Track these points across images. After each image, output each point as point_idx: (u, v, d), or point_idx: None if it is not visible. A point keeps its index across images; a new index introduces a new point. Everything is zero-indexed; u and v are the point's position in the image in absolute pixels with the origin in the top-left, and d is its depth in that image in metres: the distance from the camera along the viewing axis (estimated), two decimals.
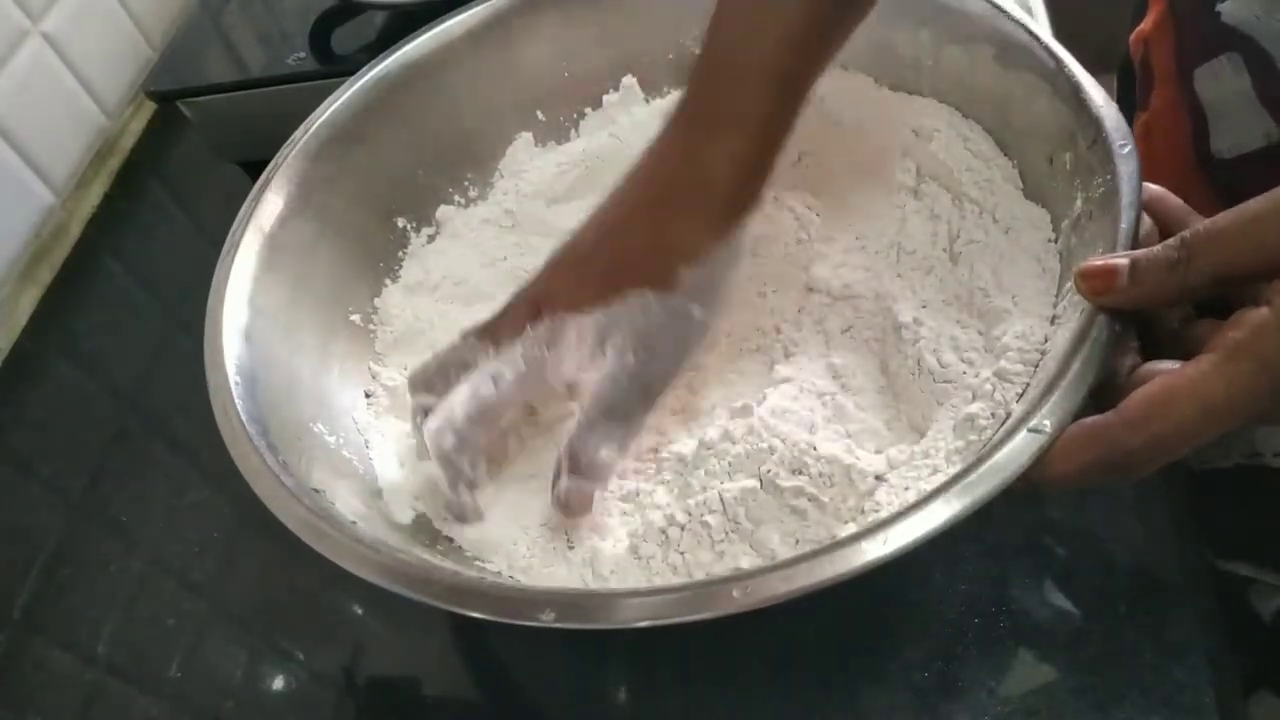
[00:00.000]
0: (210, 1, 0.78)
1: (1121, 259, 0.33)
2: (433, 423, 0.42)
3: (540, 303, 0.43)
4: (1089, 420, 0.31)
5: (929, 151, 0.49)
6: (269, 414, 0.41)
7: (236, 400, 0.40)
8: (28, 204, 0.72)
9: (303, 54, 0.68)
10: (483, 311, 0.46)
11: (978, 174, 0.47)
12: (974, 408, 0.38)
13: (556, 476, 0.41)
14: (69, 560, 0.55)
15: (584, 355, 0.42)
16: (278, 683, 0.48)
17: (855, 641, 0.43)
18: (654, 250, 0.43)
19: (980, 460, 0.31)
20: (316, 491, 0.38)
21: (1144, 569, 0.44)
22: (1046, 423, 0.31)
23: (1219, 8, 0.47)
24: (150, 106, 0.81)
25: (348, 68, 0.65)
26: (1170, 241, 0.33)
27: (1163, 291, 0.33)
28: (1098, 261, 0.34)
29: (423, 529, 0.43)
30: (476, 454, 0.42)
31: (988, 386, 0.38)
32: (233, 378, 0.41)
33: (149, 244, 0.75)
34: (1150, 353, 0.34)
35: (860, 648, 0.43)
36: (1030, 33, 0.45)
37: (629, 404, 0.42)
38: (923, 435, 0.40)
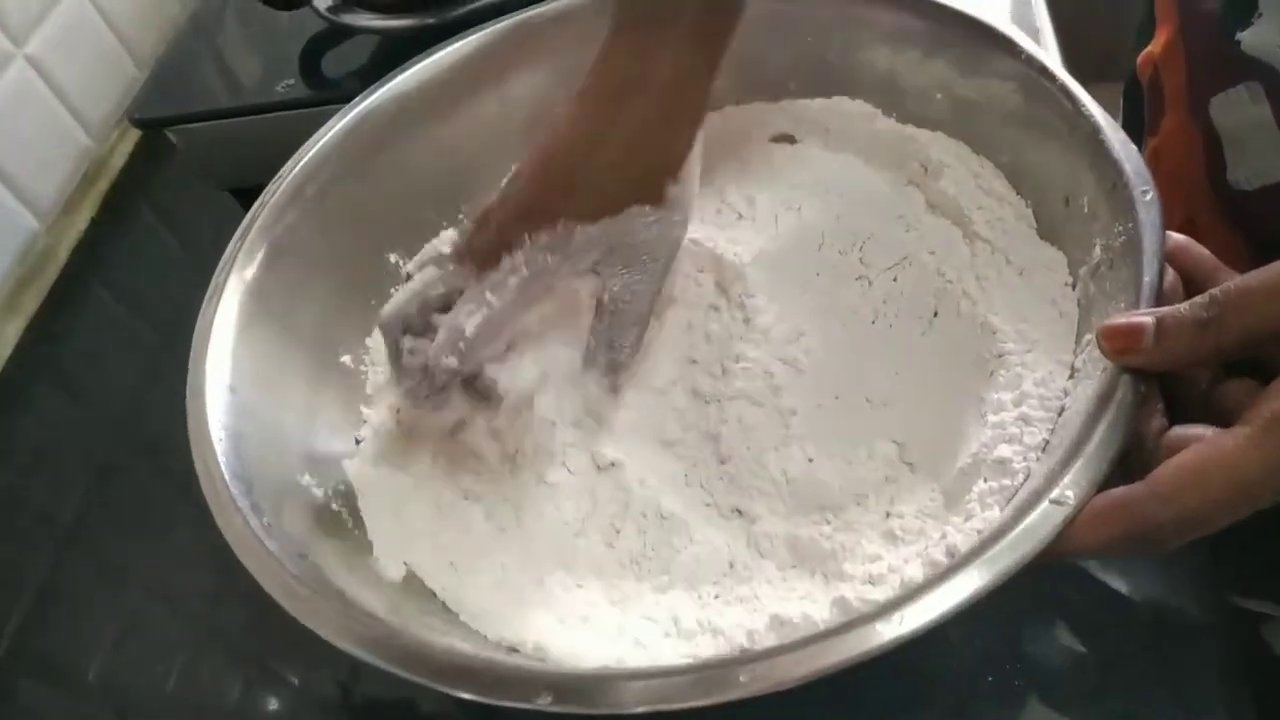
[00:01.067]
0: (200, 19, 0.76)
1: (1146, 317, 0.32)
2: (439, 341, 0.42)
3: (531, 213, 0.43)
4: (1117, 491, 0.30)
5: (938, 187, 0.48)
6: (254, 469, 0.39)
7: (220, 458, 0.38)
8: (12, 231, 0.71)
9: (292, 80, 0.67)
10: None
11: (989, 212, 0.46)
12: (1006, 450, 0.36)
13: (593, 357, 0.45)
14: (57, 594, 0.54)
15: (589, 263, 0.44)
16: (272, 704, 0.48)
17: (865, 702, 0.42)
18: (646, 166, 0.44)
19: (1002, 532, 0.30)
20: (302, 557, 0.37)
21: (1161, 612, 0.43)
22: (1069, 494, 0.30)
23: (1239, 36, 0.46)
24: None
25: (338, 95, 0.64)
26: (1199, 300, 0.31)
27: (1192, 353, 0.31)
28: (1121, 320, 0.32)
29: (413, 587, 0.41)
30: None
31: (1014, 430, 0.37)
32: (216, 433, 0.39)
33: (138, 270, 0.73)
34: (1177, 414, 0.33)
35: (871, 708, 0.42)
36: (1047, 71, 0.44)
37: (639, 310, 0.45)
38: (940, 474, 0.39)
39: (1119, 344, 0.32)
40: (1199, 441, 0.30)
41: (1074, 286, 0.41)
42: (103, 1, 0.79)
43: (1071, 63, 0.62)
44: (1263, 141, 0.47)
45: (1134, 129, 0.58)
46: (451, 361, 0.41)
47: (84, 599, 0.54)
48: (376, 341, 0.51)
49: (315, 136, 0.51)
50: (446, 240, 0.48)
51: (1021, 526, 0.30)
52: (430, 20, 0.65)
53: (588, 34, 0.48)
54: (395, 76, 0.53)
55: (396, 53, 0.55)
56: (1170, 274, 0.35)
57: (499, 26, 0.55)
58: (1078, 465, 0.31)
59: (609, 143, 0.43)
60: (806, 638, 0.30)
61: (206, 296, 0.45)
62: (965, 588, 0.29)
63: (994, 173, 0.47)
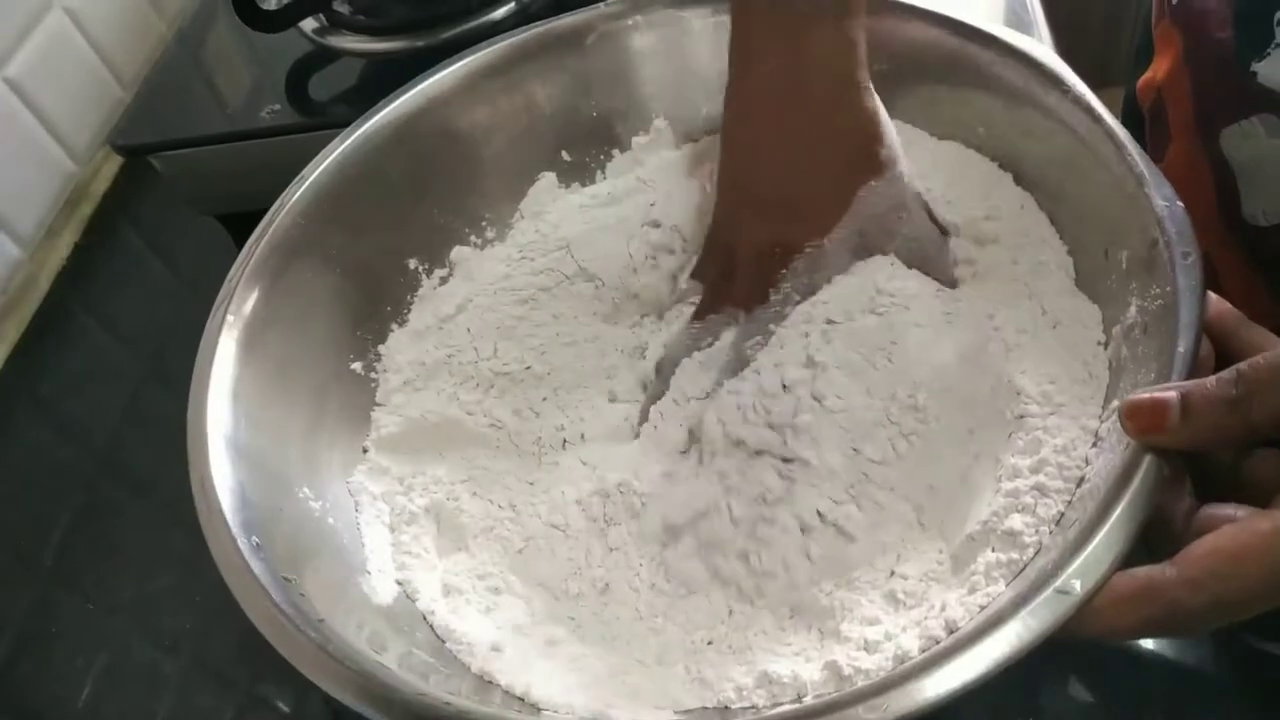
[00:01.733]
0: (185, 40, 0.75)
1: (1171, 393, 0.30)
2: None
3: (774, 250, 0.43)
4: (1142, 572, 0.28)
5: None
6: (250, 479, 0.39)
7: (214, 470, 0.38)
8: None
9: (278, 105, 0.66)
10: (504, 344, 0.48)
11: (1032, 254, 0.44)
12: (1017, 521, 0.35)
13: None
14: (41, 629, 0.54)
15: (850, 257, 0.43)
16: None
17: None
18: (849, 147, 0.43)
19: (1001, 619, 0.29)
20: (287, 580, 0.36)
21: (1177, 657, 0.42)
22: (1076, 584, 0.28)
23: (1254, 68, 0.44)
24: None
25: (324, 120, 0.63)
26: (1226, 376, 0.29)
27: (1220, 433, 0.29)
28: (1145, 396, 0.30)
29: (403, 610, 0.41)
30: None
31: (1029, 499, 0.35)
32: (214, 441, 0.39)
33: (123, 296, 0.72)
34: (1202, 487, 0.31)
35: None
36: (1094, 112, 0.41)
37: (934, 240, 0.44)
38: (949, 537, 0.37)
39: (1143, 422, 0.30)
40: (1231, 524, 0.28)
41: (1106, 346, 0.39)
42: (86, 22, 0.78)
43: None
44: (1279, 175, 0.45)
45: None
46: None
47: (67, 633, 0.53)
48: (390, 348, 0.50)
49: (336, 140, 0.49)
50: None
51: (1023, 613, 0.28)
52: (419, 43, 0.64)
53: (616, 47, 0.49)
54: (419, 83, 0.52)
55: (383, 76, 0.54)
56: (1205, 344, 0.33)
57: (509, 40, 0.54)
58: (1089, 551, 0.29)
59: (814, 135, 0.43)
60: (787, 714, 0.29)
61: (218, 300, 0.44)
62: (956, 677, 0.28)
63: (1036, 210, 0.45)
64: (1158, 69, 0.53)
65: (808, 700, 0.33)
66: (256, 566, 0.35)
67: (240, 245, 0.47)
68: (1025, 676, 0.41)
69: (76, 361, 0.68)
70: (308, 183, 0.48)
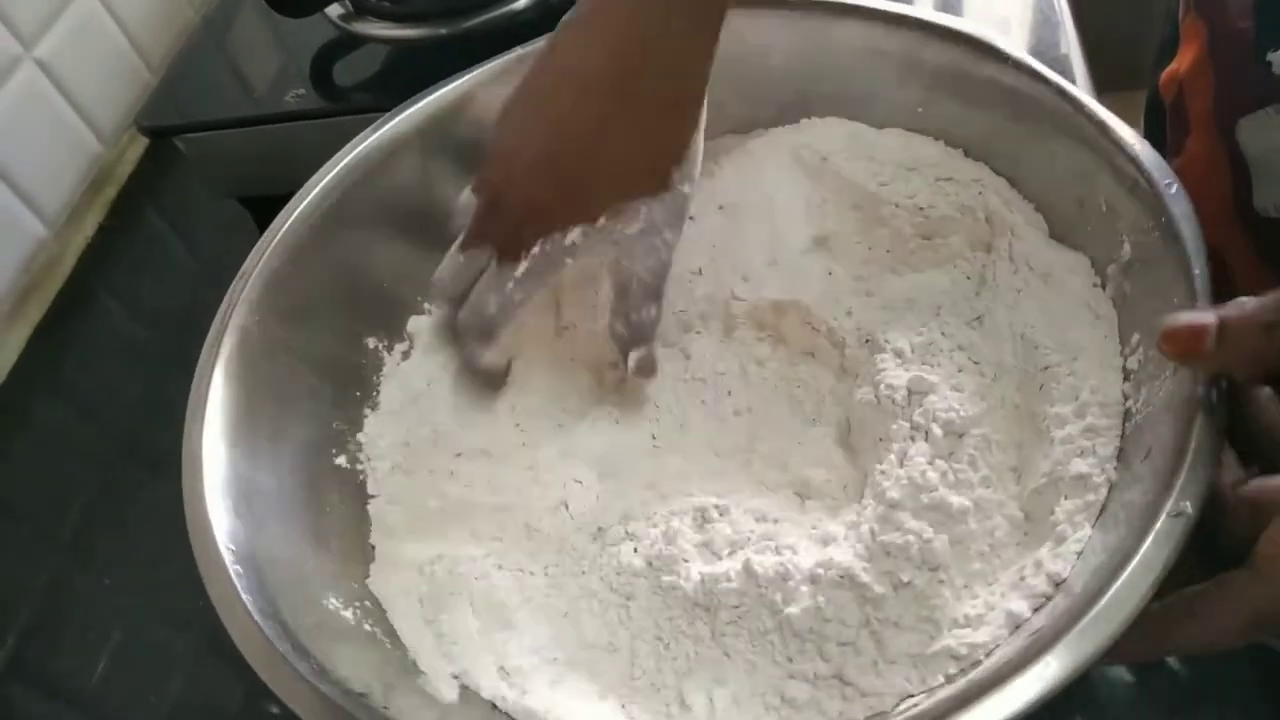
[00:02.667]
0: (212, 24, 0.75)
1: (1209, 316, 0.30)
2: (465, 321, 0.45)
3: (546, 214, 0.43)
4: (1217, 581, 0.29)
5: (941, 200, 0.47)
6: (281, 600, 0.37)
7: (244, 596, 0.36)
8: (17, 237, 0.70)
9: (302, 90, 0.66)
10: (479, 417, 0.46)
11: (1001, 220, 0.45)
12: (1081, 465, 0.35)
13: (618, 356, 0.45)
14: (58, 606, 0.54)
15: (606, 251, 0.44)
16: (274, 709, 0.46)
17: None
18: (656, 154, 0.43)
19: (1127, 555, 0.29)
20: (361, 695, 0.34)
21: (1194, 662, 0.41)
22: (1187, 504, 0.29)
23: (1269, 57, 0.44)
24: None
25: (348, 105, 0.63)
26: (1267, 300, 0.29)
27: (1257, 356, 0.30)
28: (1182, 320, 0.30)
29: (471, 700, 0.39)
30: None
31: (1085, 442, 0.36)
32: (233, 566, 0.37)
33: (146, 278, 0.72)
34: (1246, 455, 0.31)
35: None
36: (1039, 74, 0.43)
37: (655, 285, 0.44)
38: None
39: (1180, 346, 0.30)
40: None
41: (1104, 286, 0.40)
42: (115, 4, 0.78)
43: (1092, 70, 0.61)
44: None
45: (1156, 150, 0.56)
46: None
47: (85, 611, 0.54)
48: (369, 435, 0.47)
49: (276, 222, 0.47)
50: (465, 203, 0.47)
51: (1147, 543, 0.29)
52: (443, 30, 0.64)
53: None
54: (354, 148, 0.50)
55: (408, 63, 0.54)
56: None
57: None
58: (1184, 474, 0.30)
59: (617, 137, 0.43)
60: None
61: (186, 427, 0.42)
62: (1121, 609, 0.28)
63: (992, 176, 0.46)
64: (1181, 61, 0.52)
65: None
66: (327, 690, 0.34)
67: (263, 229, 0.47)
68: None
69: (98, 342, 0.68)
70: (251, 277, 0.45)
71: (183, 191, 0.76)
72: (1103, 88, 0.60)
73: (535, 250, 0.43)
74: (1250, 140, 0.47)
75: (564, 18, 0.45)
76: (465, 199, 0.46)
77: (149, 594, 0.54)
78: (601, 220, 0.43)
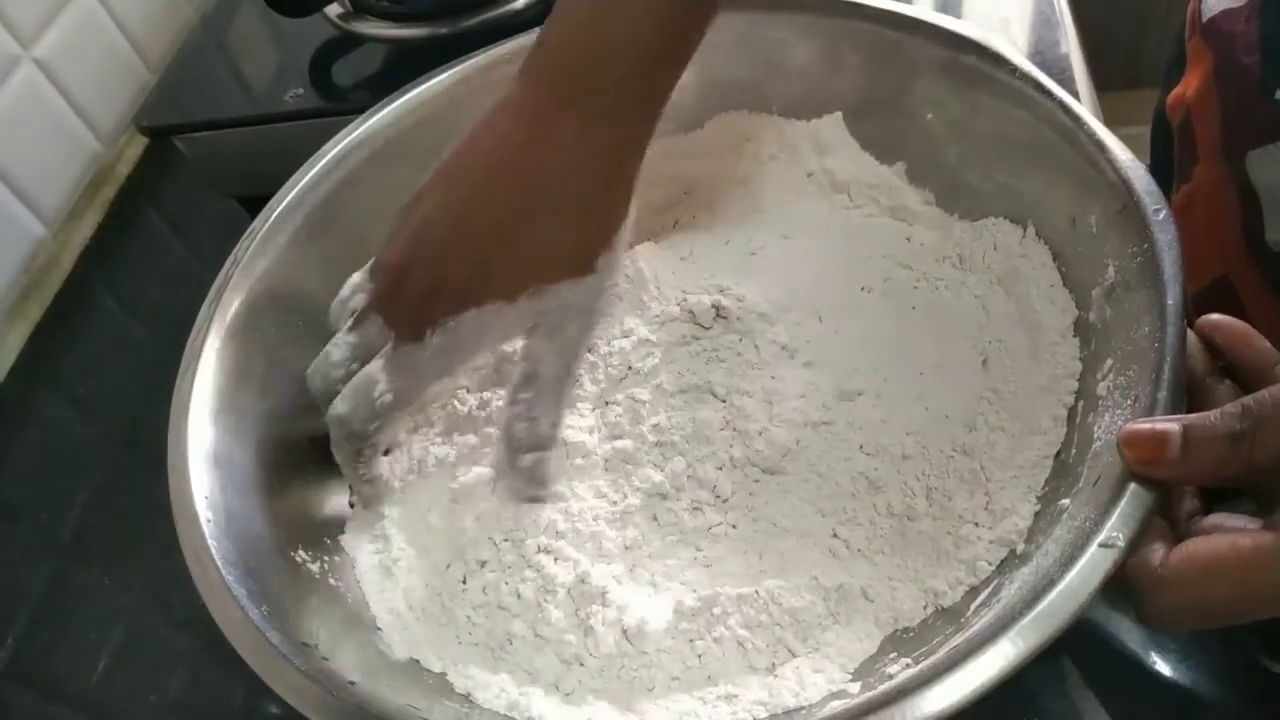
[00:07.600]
0: (211, 23, 0.76)
1: (1173, 425, 0.29)
2: (352, 407, 0.42)
3: (454, 293, 0.41)
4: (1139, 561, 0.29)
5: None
6: (244, 550, 0.39)
7: (209, 540, 0.38)
8: (16, 236, 0.70)
9: (301, 90, 0.66)
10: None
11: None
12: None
13: (509, 458, 0.42)
14: (59, 604, 0.54)
15: (515, 333, 0.42)
16: (272, 709, 0.47)
17: None
18: (580, 240, 0.41)
19: (1050, 581, 0.29)
20: (307, 645, 0.36)
21: (1186, 682, 0.41)
22: (1118, 535, 0.29)
23: (1279, 95, 0.44)
24: None
25: (347, 105, 0.63)
26: (1231, 409, 0.29)
27: (1220, 468, 0.29)
28: (1144, 426, 0.30)
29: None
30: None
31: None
32: (204, 513, 0.39)
33: (145, 277, 0.72)
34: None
35: None
36: (1043, 87, 0.43)
37: (558, 377, 0.43)
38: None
39: (1142, 453, 0.30)
40: (1221, 534, 0.28)
41: (1088, 312, 0.41)
42: (113, 3, 0.78)
43: (1093, 70, 0.61)
44: None
45: (1162, 172, 0.56)
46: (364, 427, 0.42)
47: (85, 611, 0.54)
48: (348, 542, 0.46)
49: (243, 240, 0.48)
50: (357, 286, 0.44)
51: (1073, 572, 0.29)
52: (442, 30, 0.64)
53: None
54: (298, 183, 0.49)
55: (406, 63, 0.54)
56: (1191, 338, 0.33)
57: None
58: (1120, 507, 0.29)
59: (541, 220, 0.41)
60: None
61: (181, 369, 0.44)
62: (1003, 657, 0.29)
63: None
64: (1189, 84, 0.52)
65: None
66: (272, 635, 0.35)
67: None
68: (1024, 686, 0.41)
69: (97, 340, 0.68)
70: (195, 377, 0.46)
71: (182, 191, 0.76)
72: (1103, 88, 0.61)
73: (450, 324, 0.41)
74: (1260, 173, 0.46)
75: (495, 101, 0.43)
76: (356, 282, 0.44)
77: (149, 593, 0.54)
78: (521, 299, 0.41)
